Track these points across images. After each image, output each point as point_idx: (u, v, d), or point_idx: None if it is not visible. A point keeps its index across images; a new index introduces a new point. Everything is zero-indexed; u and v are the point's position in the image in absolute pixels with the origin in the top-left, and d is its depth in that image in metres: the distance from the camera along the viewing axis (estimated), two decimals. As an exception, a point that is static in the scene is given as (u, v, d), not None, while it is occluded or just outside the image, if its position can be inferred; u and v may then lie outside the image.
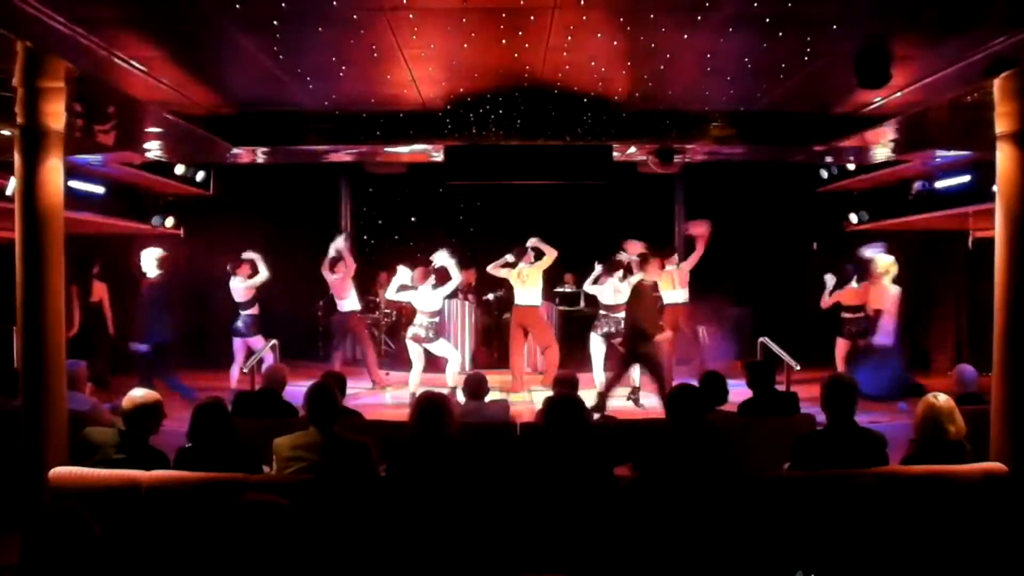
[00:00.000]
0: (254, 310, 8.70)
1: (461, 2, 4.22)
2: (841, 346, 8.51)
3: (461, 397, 5.76)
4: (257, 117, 6.70)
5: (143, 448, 3.82)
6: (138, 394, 3.89)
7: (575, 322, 10.75)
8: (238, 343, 8.66)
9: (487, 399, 5.50)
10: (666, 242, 9.67)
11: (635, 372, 8.13)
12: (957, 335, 10.59)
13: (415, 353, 8.30)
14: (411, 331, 8.29)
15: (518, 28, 4.64)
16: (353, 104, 6.48)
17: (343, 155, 7.94)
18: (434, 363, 8.67)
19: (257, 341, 8.58)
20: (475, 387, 5.40)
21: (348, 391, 5.53)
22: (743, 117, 6.76)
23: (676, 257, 9.05)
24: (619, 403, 8.01)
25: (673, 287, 8.89)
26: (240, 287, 8.59)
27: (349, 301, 9.16)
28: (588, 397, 4.58)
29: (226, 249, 9.36)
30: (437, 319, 8.35)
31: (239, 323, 8.65)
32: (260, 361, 8.04)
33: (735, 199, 11.20)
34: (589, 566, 3.47)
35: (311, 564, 3.45)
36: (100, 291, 9.45)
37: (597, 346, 8.29)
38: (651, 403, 8.00)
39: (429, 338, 8.25)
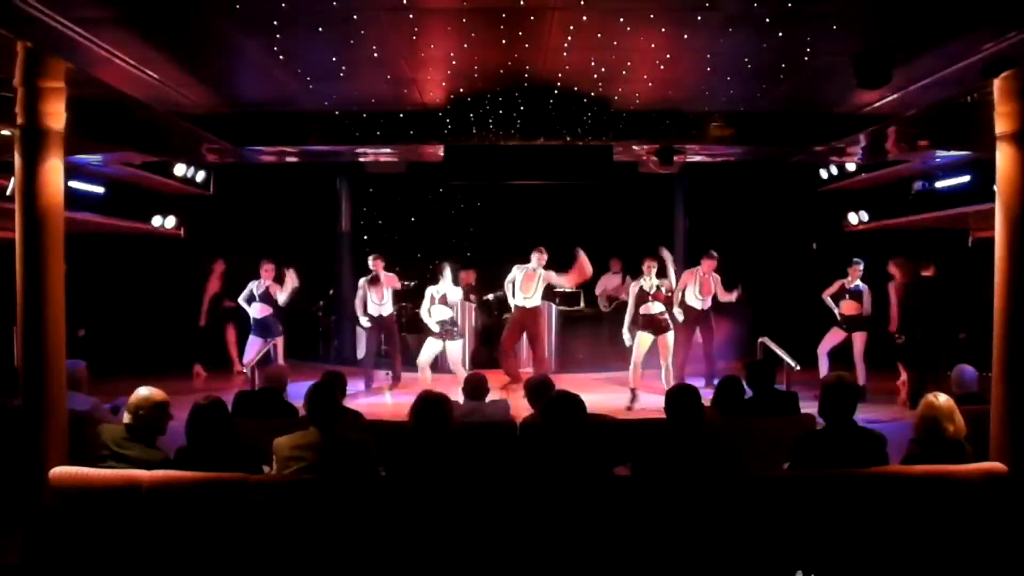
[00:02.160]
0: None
1: (461, 2, 4.23)
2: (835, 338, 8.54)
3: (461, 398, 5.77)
4: (257, 117, 6.71)
5: (148, 447, 3.83)
6: (144, 392, 3.89)
7: (575, 322, 10.76)
8: (262, 343, 8.74)
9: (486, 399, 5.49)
10: (667, 243, 9.63)
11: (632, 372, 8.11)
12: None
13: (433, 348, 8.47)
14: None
15: (518, 28, 4.65)
16: (353, 104, 6.49)
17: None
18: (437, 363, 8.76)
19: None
20: (475, 387, 5.40)
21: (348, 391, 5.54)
22: (743, 117, 6.77)
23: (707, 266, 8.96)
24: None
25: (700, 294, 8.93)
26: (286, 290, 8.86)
27: (387, 305, 9.26)
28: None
29: (226, 249, 9.38)
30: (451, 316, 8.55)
31: (272, 323, 8.85)
32: (264, 359, 8.09)
33: (735, 199, 11.21)
34: (589, 566, 3.47)
35: (312, 564, 3.45)
36: (214, 287, 9.86)
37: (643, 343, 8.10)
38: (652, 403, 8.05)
39: (454, 333, 8.48)
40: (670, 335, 8.04)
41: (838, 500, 3.55)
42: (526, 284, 8.78)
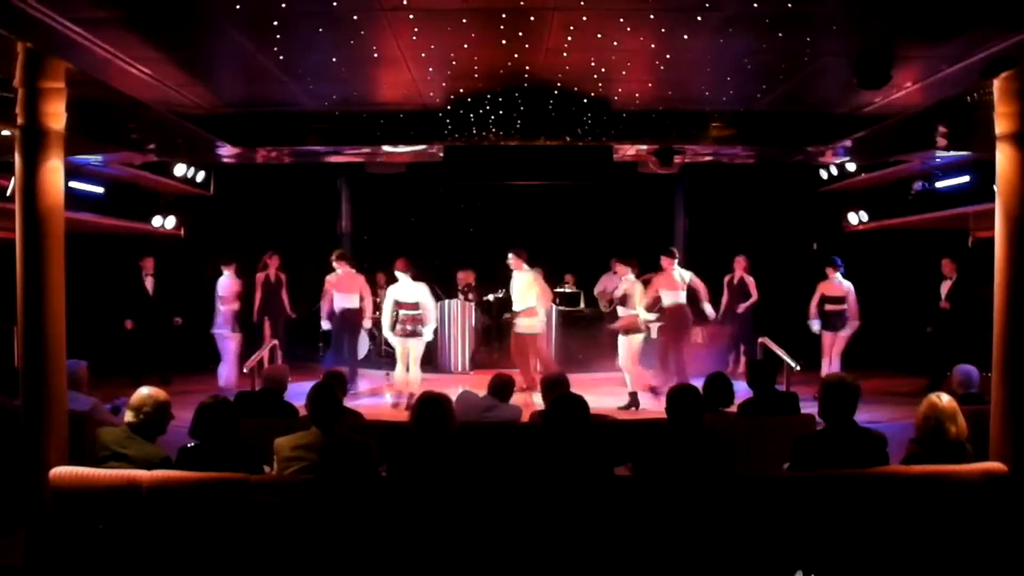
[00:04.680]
0: None
1: (461, 2, 4.23)
2: (828, 339, 8.64)
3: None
4: (257, 117, 6.71)
5: (149, 445, 3.83)
6: (146, 391, 3.91)
7: (576, 322, 10.77)
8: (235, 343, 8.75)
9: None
10: (667, 243, 9.67)
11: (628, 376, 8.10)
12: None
13: (399, 350, 8.20)
14: (397, 327, 8.11)
15: (518, 28, 4.64)
16: (353, 104, 6.48)
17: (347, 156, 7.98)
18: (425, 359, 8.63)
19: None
20: (500, 386, 5.51)
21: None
22: (743, 117, 6.76)
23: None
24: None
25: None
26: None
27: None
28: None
29: (226, 249, 9.39)
30: (418, 311, 8.16)
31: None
32: (261, 361, 8.08)
33: (735, 199, 11.21)
34: (589, 566, 3.47)
35: (312, 564, 3.45)
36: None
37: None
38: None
39: (410, 332, 8.11)
40: (637, 337, 8.07)
41: (838, 500, 3.55)
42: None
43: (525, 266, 8.82)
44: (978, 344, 5.08)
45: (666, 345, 8.87)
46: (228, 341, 8.81)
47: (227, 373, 8.73)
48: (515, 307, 8.90)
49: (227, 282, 8.86)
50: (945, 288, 8.96)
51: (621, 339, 8.14)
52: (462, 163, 7.26)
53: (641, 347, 8.17)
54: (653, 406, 7.89)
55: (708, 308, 8.92)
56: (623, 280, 8.27)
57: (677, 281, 8.63)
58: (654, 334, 8.34)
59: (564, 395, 4.07)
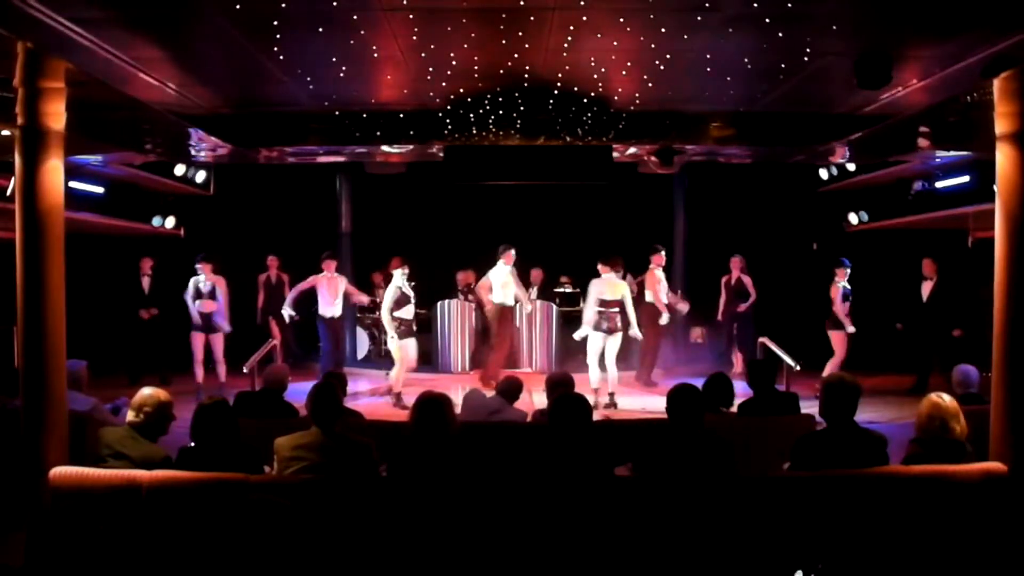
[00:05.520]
0: None
1: (461, 2, 4.23)
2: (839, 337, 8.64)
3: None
4: (257, 117, 6.70)
5: (150, 445, 3.84)
6: (148, 391, 3.91)
7: (575, 322, 10.75)
8: (204, 338, 8.80)
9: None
10: (667, 243, 9.72)
11: (593, 375, 8.14)
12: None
13: (397, 353, 8.36)
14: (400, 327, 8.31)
15: (518, 28, 4.64)
16: (353, 104, 6.48)
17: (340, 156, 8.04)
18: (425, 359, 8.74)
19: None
20: (509, 389, 5.58)
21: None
22: (743, 117, 6.76)
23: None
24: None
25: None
26: None
27: (338, 307, 9.40)
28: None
29: (226, 249, 9.40)
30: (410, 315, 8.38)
31: (214, 320, 8.86)
32: (272, 352, 8.13)
33: (735, 199, 11.21)
34: (589, 566, 3.47)
35: (312, 564, 3.45)
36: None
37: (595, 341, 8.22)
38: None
39: (407, 332, 8.33)
40: (617, 337, 8.08)
41: (838, 500, 3.55)
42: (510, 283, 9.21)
43: (511, 265, 9.18)
44: (978, 344, 5.09)
45: (648, 342, 8.96)
46: (200, 340, 8.84)
47: (200, 371, 8.76)
48: (494, 298, 9.25)
49: (205, 281, 8.85)
50: (926, 289, 9.01)
51: (616, 339, 8.10)
52: (462, 163, 7.26)
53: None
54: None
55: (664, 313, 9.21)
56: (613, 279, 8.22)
57: (658, 279, 9.00)
58: (636, 332, 8.31)
59: (566, 395, 4.07)
